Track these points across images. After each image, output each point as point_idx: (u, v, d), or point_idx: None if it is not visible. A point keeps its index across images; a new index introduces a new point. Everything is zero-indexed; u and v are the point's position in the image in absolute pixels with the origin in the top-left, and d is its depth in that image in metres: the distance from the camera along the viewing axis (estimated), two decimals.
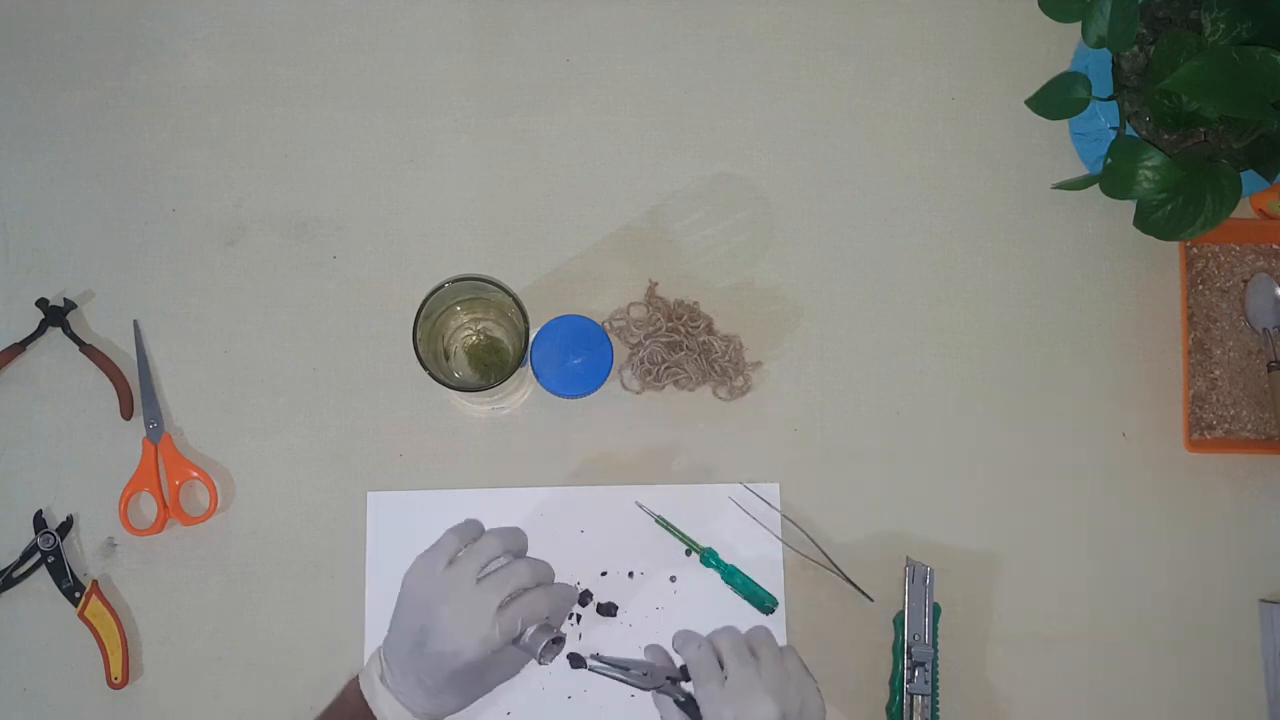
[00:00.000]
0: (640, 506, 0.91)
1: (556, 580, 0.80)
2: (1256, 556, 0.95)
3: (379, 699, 0.75)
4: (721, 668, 0.76)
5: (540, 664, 0.75)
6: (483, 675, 0.75)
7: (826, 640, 0.91)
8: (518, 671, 0.78)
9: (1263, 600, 0.94)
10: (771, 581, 0.92)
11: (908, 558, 0.91)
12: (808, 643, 0.91)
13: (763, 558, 0.92)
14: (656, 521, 0.88)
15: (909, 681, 0.89)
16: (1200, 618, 0.94)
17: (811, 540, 0.91)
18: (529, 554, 0.79)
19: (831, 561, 0.92)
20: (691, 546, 0.90)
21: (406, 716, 0.74)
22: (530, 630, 0.74)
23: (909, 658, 0.89)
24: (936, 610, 0.91)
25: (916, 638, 0.89)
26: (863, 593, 0.92)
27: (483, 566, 0.75)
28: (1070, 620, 0.93)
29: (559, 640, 0.75)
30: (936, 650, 0.90)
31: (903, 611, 0.90)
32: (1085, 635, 0.93)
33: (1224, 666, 0.93)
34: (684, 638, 0.79)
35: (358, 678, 0.77)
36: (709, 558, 0.89)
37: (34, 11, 0.98)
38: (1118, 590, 0.94)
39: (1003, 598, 0.93)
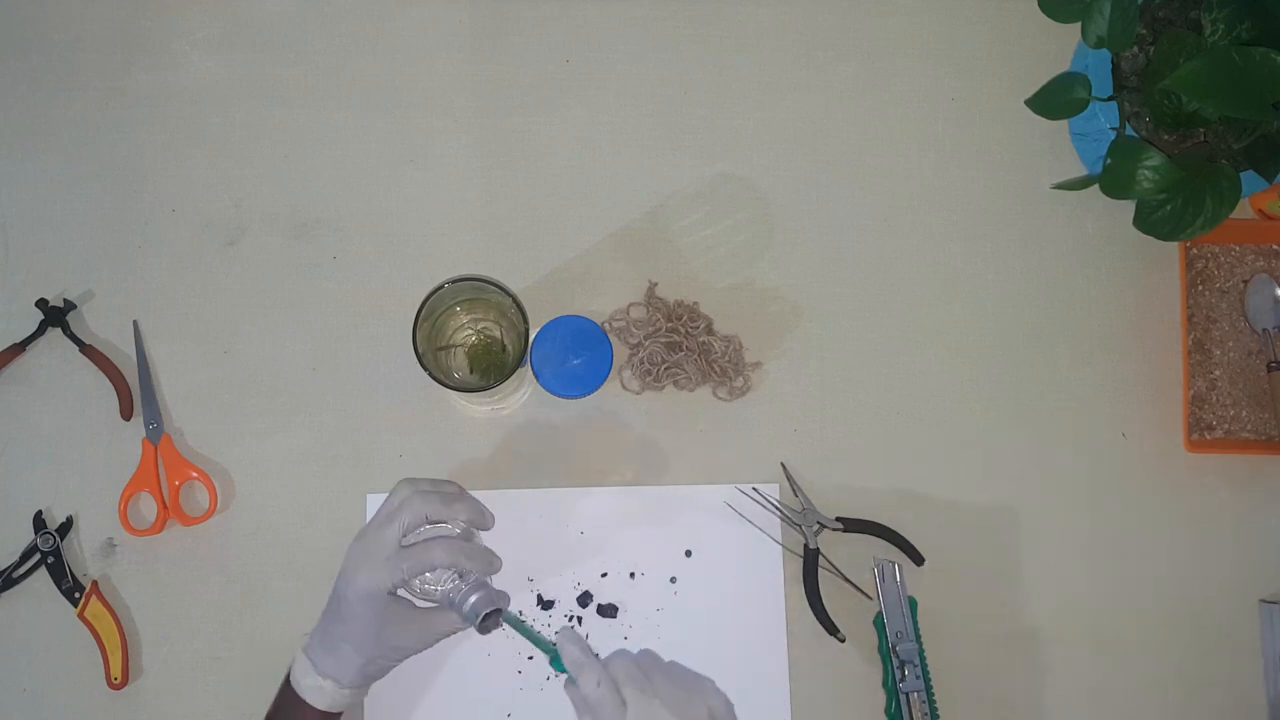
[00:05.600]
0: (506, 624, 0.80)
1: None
2: (1256, 556, 0.95)
3: (304, 680, 0.75)
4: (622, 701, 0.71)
5: (480, 632, 0.74)
6: (380, 630, 0.74)
7: (826, 641, 0.91)
8: (424, 644, 0.77)
9: (1263, 600, 0.94)
10: (770, 582, 0.92)
11: (874, 557, 0.92)
12: (806, 645, 0.91)
13: (762, 558, 0.92)
14: (508, 622, 0.77)
15: (901, 681, 0.89)
16: (1200, 618, 0.94)
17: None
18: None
19: (830, 562, 0.92)
20: (543, 648, 0.76)
21: (326, 685, 0.75)
22: (472, 598, 0.74)
23: (896, 657, 0.89)
24: (913, 604, 0.91)
25: (899, 635, 0.89)
26: (862, 592, 0.92)
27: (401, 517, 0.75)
28: (1070, 620, 0.93)
29: (497, 611, 0.74)
30: (921, 645, 0.90)
31: (881, 613, 0.90)
32: (1085, 635, 0.93)
33: (1224, 667, 0.93)
34: (579, 664, 0.72)
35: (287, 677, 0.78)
36: (556, 660, 0.74)
37: (34, 11, 0.98)
38: (1117, 590, 0.94)
39: (1003, 597, 0.93)
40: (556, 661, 0.73)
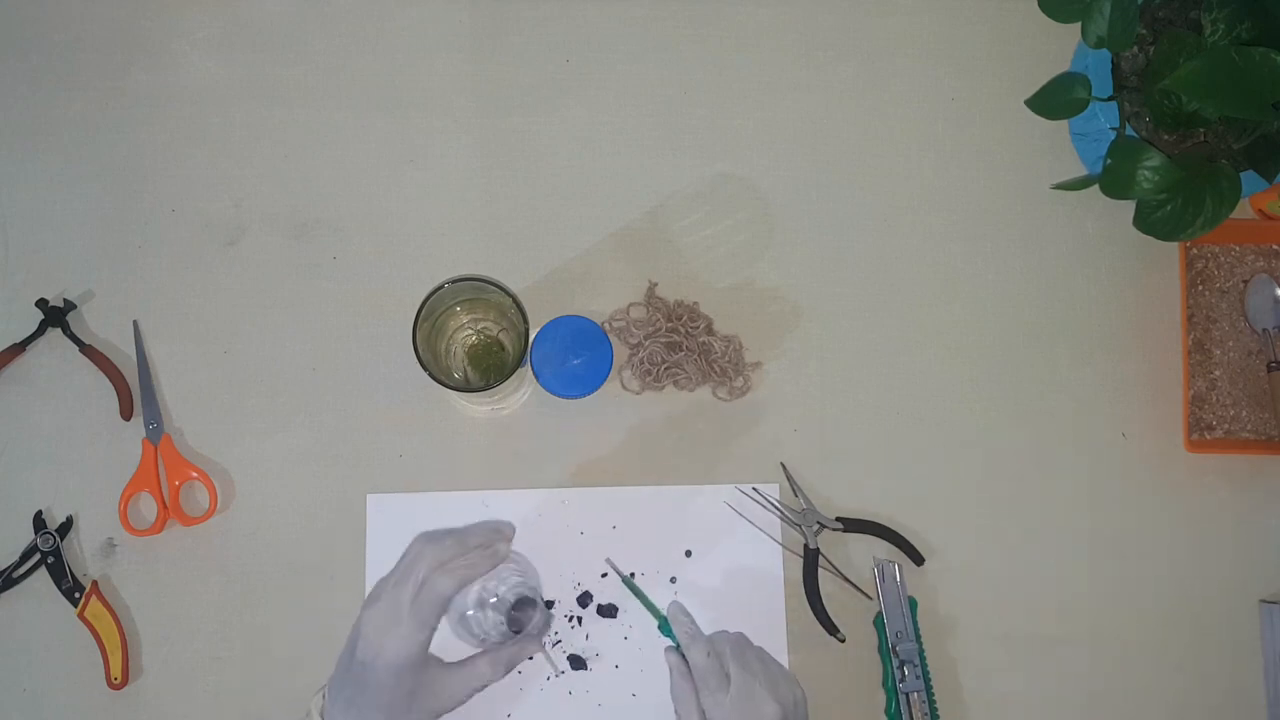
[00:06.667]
0: (609, 564, 0.90)
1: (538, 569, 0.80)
2: (1256, 556, 0.95)
3: None
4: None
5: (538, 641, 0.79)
6: (411, 696, 0.71)
7: (826, 641, 0.91)
8: (457, 701, 0.74)
9: (1263, 600, 0.94)
10: (770, 582, 0.92)
11: (874, 557, 0.92)
12: (806, 644, 0.91)
13: (762, 558, 0.92)
14: (624, 581, 0.86)
15: (901, 681, 0.89)
16: (1200, 618, 0.94)
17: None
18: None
19: (830, 562, 0.92)
20: (654, 613, 0.83)
21: None
22: (534, 617, 0.77)
23: (896, 657, 0.89)
24: (913, 604, 0.91)
25: (899, 635, 0.89)
26: (862, 592, 0.92)
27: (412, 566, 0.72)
28: (1070, 620, 0.93)
29: (536, 605, 0.78)
30: (921, 644, 0.90)
31: (880, 613, 0.90)
32: (1085, 635, 0.93)
33: (1224, 666, 0.93)
34: (690, 635, 0.78)
35: None
36: (665, 626, 0.81)
37: (34, 11, 0.98)
38: (1117, 590, 0.94)
39: (1003, 597, 0.93)
40: (665, 628, 0.79)
